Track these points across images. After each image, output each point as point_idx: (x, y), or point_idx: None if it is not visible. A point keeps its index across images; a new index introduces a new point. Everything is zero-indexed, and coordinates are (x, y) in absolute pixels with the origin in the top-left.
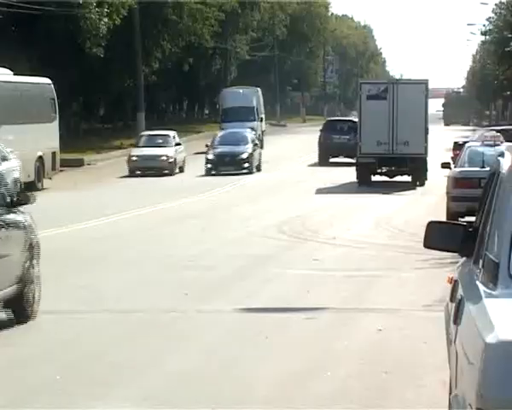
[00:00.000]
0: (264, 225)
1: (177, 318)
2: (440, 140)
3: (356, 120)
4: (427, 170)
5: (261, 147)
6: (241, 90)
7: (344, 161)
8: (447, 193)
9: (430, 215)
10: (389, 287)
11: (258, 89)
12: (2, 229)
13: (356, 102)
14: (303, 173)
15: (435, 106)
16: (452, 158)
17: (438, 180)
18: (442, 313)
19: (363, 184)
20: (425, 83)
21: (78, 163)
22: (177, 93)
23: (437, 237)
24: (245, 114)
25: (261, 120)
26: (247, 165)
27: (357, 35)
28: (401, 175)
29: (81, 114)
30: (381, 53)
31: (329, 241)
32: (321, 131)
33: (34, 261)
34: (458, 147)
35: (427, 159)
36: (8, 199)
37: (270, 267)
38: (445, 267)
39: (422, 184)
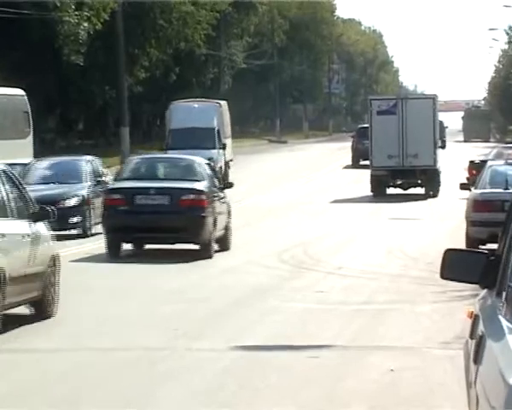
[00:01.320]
0: (263, 253)
1: (165, 357)
2: (458, 157)
3: None
4: (439, 181)
5: (224, 186)
6: (196, 105)
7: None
8: (466, 217)
9: (448, 242)
10: (402, 322)
11: (223, 103)
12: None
13: (365, 116)
14: (306, 195)
15: (454, 120)
16: (468, 179)
17: (456, 203)
18: (461, 351)
19: (378, 195)
20: (433, 98)
21: None
22: (165, 105)
23: (455, 266)
24: (200, 139)
25: (224, 148)
26: (75, 220)
27: (365, 41)
28: (414, 187)
29: (58, 128)
30: (392, 61)
31: (335, 271)
32: (353, 137)
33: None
34: (474, 166)
35: (439, 170)
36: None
37: (269, 300)
38: (464, 300)
39: (436, 196)
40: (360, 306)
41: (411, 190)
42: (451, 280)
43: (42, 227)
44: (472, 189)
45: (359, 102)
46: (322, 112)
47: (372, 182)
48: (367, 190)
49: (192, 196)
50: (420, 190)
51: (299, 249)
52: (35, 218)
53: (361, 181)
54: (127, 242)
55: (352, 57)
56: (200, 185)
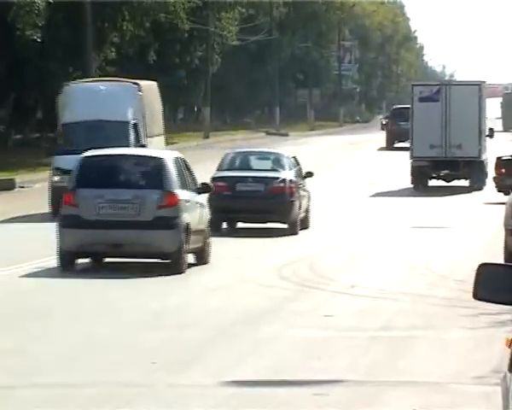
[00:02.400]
0: (261, 268)
1: (141, 394)
2: (494, 150)
3: None
4: (485, 174)
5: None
6: (102, 87)
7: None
8: (505, 225)
9: (483, 255)
10: (427, 352)
11: (147, 84)
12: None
13: (382, 103)
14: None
15: (490, 106)
16: (495, 178)
17: (494, 208)
18: (498, 387)
19: (418, 188)
20: (479, 84)
21: (8, 186)
22: None
23: (491, 284)
24: (107, 138)
25: None
26: None
27: (383, 13)
28: (458, 179)
29: (11, 119)
30: (415, 37)
31: (346, 290)
32: (387, 118)
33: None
34: (503, 164)
35: (485, 162)
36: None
37: (266, 326)
38: (502, 326)
39: (480, 189)
40: (377, 332)
41: (455, 183)
42: (487, 301)
43: (203, 198)
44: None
45: (375, 87)
46: (330, 98)
47: (413, 173)
48: (393, 186)
49: (282, 184)
50: (464, 183)
51: (303, 263)
52: (200, 191)
53: (378, 182)
54: (229, 220)
55: (367, 32)
56: (289, 175)
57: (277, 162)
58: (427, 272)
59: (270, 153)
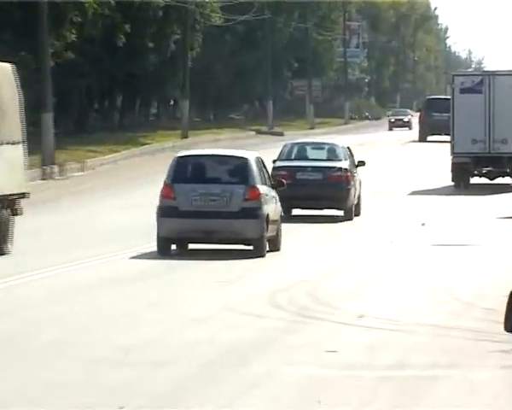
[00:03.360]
0: (250, 295)
1: None
2: None
3: None
4: None
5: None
6: None
7: (443, 139)
8: None
9: None
10: (450, 396)
11: None
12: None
13: (396, 97)
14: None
15: None
16: None
17: None
18: None
19: (460, 186)
20: None
21: None
22: (108, 81)
23: None
24: None
25: None
26: None
27: None
28: (502, 177)
29: None
30: (436, 16)
31: (353, 320)
32: (420, 110)
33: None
34: None
35: None
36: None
37: (256, 363)
38: None
39: None
40: (388, 371)
41: (499, 180)
42: None
43: (275, 192)
44: None
45: (388, 76)
46: (334, 91)
47: (453, 170)
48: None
49: (339, 173)
50: (508, 180)
51: (302, 288)
52: (274, 186)
53: (386, 192)
54: (291, 208)
55: (378, 12)
56: (345, 164)
57: (333, 152)
58: (450, 299)
59: (327, 143)
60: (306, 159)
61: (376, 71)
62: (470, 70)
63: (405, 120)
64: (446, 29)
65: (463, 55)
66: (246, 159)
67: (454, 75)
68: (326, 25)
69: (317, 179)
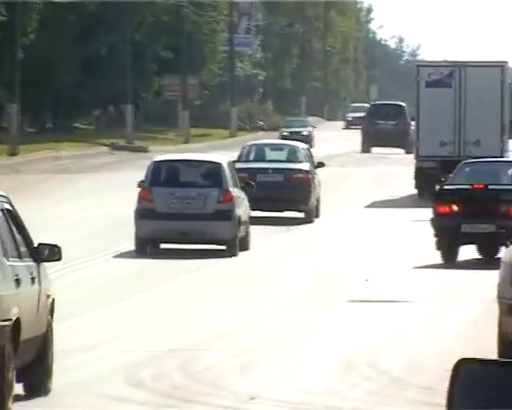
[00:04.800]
0: (104, 370)
1: None
2: None
3: (403, 104)
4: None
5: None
6: None
7: (390, 152)
8: (500, 297)
9: (465, 346)
10: None
11: None
12: None
13: (301, 100)
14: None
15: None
16: (433, 219)
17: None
18: None
19: (424, 195)
20: (502, 66)
21: None
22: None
23: (476, 393)
24: None
25: None
26: None
27: None
28: None
29: None
30: None
31: (242, 404)
32: (364, 116)
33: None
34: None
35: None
36: None
37: None
38: None
39: None
40: None
41: None
42: None
43: (244, 194)
44: (509, 243)
45: (290, 73)
46: (218, 92)
47: (417, 176)
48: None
49: (301, 175)
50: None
51: (173, 359)
52: (243, 188)
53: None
54: (252, 210)
55: None
56: (306, 166)
57: (293, 153)
58: (374, 374)
59: (287, 144)
60: (266, 160)
61: (274, 65)
62: (402, 62)
63: (304, 133)
64: (369, 10)
65: (392, 43)
66: (219, 164)
67: (419, 66)
68: (207, 2)
69: (278, 181)
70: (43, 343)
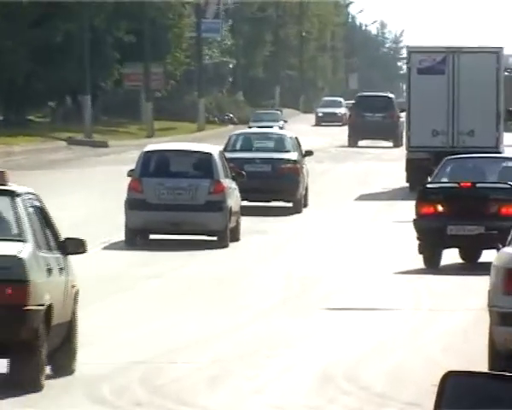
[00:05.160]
0: (62, 384)
1: None
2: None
3: (392, 95)
4: None
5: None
6: None
7: (378, 145)
8: (491, 306)
9: (452, 357)
10: None
11: None
12: None
13: (272, 91)
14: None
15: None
16: (416, 219)
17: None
18: None
19: (416, 188)
20: (497, 52)
21: None
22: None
23: (464, 408)
24: None
25: None
26: None
27: None
28: None
29: None
30: None
31: None
32: (350, 109)
33: None
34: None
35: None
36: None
37: None
38: None
39: None
40: None
41: None
42: None
43: (235, 184)
44: (501, 245)
45: (263, 61)
46: (184, 82)
47: (409, 168)
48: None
49: (289, 165)
50: None
51: (135, 372)
52: (234, 178)
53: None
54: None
55: None
56: (294, 155)
57: (281, 143)
58: (354, 388)
59: (274, 133)
60: (254, 150)
61: (245, 53)
62: (384, 49)
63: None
64: None
65: (373, 29)
66: (210, 154)
67: (411, 51)
68: None
69: (265, 171)
70: (69, 329)
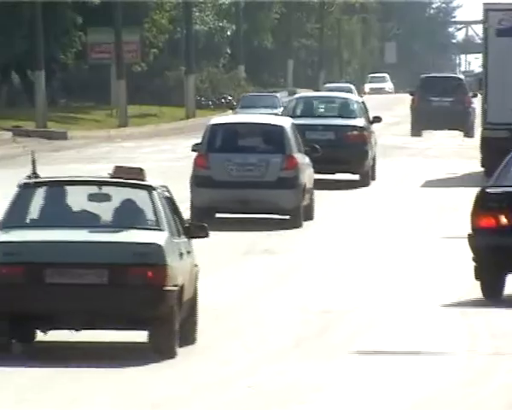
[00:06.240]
0: None
1: None
2: None
3: (462, 77)
4: None
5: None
6: None
7: (446, 134)
8: None
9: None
10: None
11: None
12: None
13: (283, 62)
14: None
15: None
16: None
17: None
18: None
19: (492, 173)
20: None
21: None
22: None
23: None
24: None
25: None
26: None
27: None
28: None
29: None
30: None
31: None
32: (412, 93)
33: None
34: None
35: None
36: None
37: None
38: None
39: None
40: None
41: None
42: None
43: (309, 159)
44: None
45: (271, 29)
46: (168, 54)
47: (484, 149)
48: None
49: (355, 132)
50: None
51: None
52: (307, 153)
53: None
54: None
55: None
56: (361, 122)
57: (346, 107)
58: None
59: (339, 97)
60: (316, 115)
61: (248, 16)
62: (432, 9)
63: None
64: None
65: None
66: (282, 127)
67: (488, 9)
68: None
69: (329, 139)
70: (193, 304)
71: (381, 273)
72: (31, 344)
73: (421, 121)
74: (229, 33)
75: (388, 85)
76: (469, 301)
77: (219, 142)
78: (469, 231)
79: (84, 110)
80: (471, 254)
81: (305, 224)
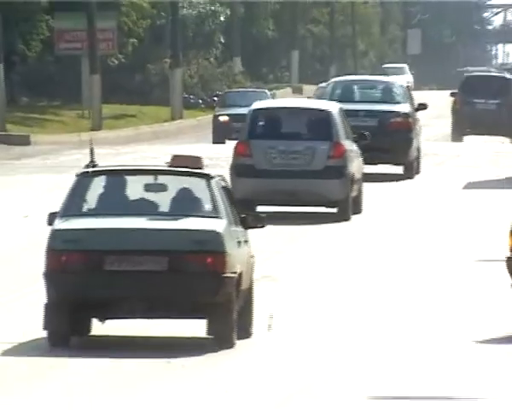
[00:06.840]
0: None
1: None
2: None
3: (509, 76)
4: None
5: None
6: None
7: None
8: None
9: None
10: None
11: None
12: None
13: (286, 56)
14: None
15: None
16: None
17: None
18: None
19: None
20: None
21: None
22: None
23: None
24: None
25: None
26: None
27: None
28: None
29: None
30: None
31: None
32: (453, 94)
33: None
34: None
35: None
36: None
37: None
38: None
39: None
40: None
41: None
42: None
43: (357, 147)
44: None
45: (272, 14)
46: (148, 44)
47: None
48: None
49: (400, 119)
50: None
51: None
52: (356, 140)
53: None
54: None
55: None
56: (406, 108)
57: (389, 93)
58: None
59: (381, 81)
60: (357, 101)
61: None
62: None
63: None
64: None
65: None
66: (329, 112)
67: None
68: None
69: (371, 126)
70: (249, 295)
71: (413, 296)
72: (87, 337)
73: (464, 126)
74: (222, 19)
75: (407, 78)
76: (507, 338)
77: (262, 128)
78: (508, 254)
79: (50, 110)
80: (509, 281)
81: (352, 217)
